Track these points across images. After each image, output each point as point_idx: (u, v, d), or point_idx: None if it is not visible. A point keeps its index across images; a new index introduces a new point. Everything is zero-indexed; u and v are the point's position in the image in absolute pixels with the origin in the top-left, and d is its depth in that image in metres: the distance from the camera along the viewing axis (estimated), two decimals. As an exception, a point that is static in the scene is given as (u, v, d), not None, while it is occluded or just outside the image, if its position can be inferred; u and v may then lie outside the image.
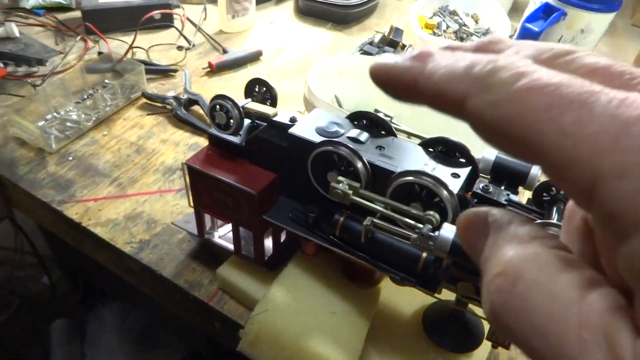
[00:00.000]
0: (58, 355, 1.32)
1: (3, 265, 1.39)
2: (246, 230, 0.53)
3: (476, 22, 1.15)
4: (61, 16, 1.03)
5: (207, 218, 0.58)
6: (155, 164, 0.73)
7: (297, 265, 0.50)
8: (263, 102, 0.53)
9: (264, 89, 0.53)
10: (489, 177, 0.46)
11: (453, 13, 1.16)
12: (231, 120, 0.49)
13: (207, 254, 0.61)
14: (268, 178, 0.49)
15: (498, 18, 1.10)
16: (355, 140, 0.46)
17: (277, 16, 1.15)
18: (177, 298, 0.59)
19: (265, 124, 0.51)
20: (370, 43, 1.00)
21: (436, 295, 0.47)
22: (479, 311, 0.49)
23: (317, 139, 0.45)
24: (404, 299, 0.54)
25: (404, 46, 1.01)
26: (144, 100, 0.84)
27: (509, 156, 0.45)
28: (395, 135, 0.47)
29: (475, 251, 0.18)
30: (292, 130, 0.46)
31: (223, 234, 0.58)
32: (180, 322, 1.08)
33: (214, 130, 0.51)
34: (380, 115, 0.49)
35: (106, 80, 0.85)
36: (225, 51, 0.97)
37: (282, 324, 0.44)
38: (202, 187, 0.52)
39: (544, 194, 0.43)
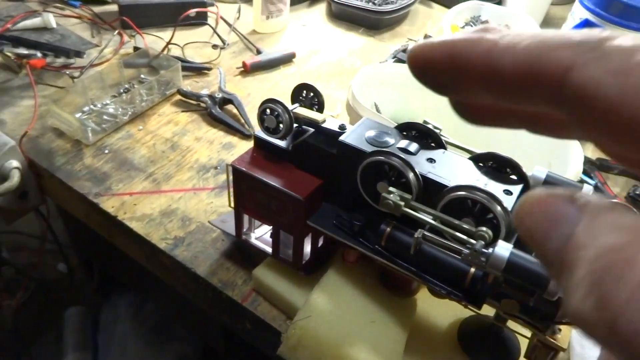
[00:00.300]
0: (70, 342, 1.33)
1: (23, 251, 1.41)
2: (285, 234, 0.53)
3: (508, 34, 1.14)
4: (97, 9, 1.04)
5: (246, 219, 0.58)
6: (189, 161, 0.74)
7: (337, 272, 0.50)
8: (310, 107, 0.53)
9: (311, 94, 0.53)
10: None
11: (485, 23, 1.15)
12: (281, 125, 0.49)
13: (241, 254, 0.61)
14: (314, 184, 0.49)
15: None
16: (405, 151, 0.46)
17: (310, 19, 1.15)
18: (209, 296, 0.59)
19: (313, 129, 0.51)
20: (404, 51, 1.00)
21: (475, 310, 0.47)
22: (517, 327, 0.48)
23: (368, 148, 0.45)
24: (439, 311, 0.54)
25: (436, 55, 1.01)
26: (178, 97, 0.85)
27: (558, 176, 0.45)
28: (445, 148, 0.47)
29: (549, 239, 0.14)
30: (342, 138, 0.47)
31: (259, 236, 0.59)
32: (194, 315, 1.08)
33: (261, 134, 0.51)
34: (430, 126, 0.49)
35: (142, 76, 0.86)
36: (259, 52, 0.97)
37: (324, 330, 0.44)
38: (246, 188, 0.52)
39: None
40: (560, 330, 0.45)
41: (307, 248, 0.54)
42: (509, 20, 1.16)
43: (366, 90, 0.65)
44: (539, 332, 0.44)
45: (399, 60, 0.97)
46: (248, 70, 0.93)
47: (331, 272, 0.50)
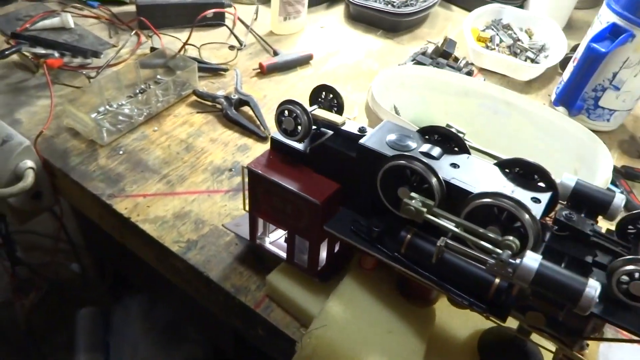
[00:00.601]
0: (82, 343, 1.33)
1: (37, 250, 1.41)
2: (300, 239, 0.52)
3: (530, 37, 1.12)
4: (115, 9, 1.04)
5: (260, 223, 0.57)
6: (204, 163, 0.73)
7: (354, 279, 0.49)
8: (329, 109, 0.52)
9: (331, 95, 0.52)
10: (565, 202, 0.44)
11: (507, 27, 1.13)
12: (299, 127, 0.48)
13: (255, 259, 0.59)
14: (331, 188, 0.48)
15: (553, 35, 1.07)
16: (428, 155, 0.44)
17: (328, 21, 1.14)
18: (221, 301, 0.58)
19: (331, 132, 0.50)
20: (423, 53, 0.98)
21: (497, 321, 0.45)
22: (540, 340, 0.46)
23: (389, 152, 0.44)
24: (458, 321, 0.52)
25: (456, 58, 0.99)
26: (194, 97, 0.84)
27: (589, 184, 0.43)
28: (469, 153, 0.46)
29: None
30: (363, 141, 0.45)
31: (274, 240, 0.57)
32: (205, 318, 1.07)
33: (278, 135, 0.50)
34: (453, 130, 0.47)
35: (158, 76, 0.85)
36: (276, 53, 0.96)
37: (340, 340, 0.42)
38: (261, 191, 0.51)
39: (630, 227, 0.40)
40: (588, 345, 0.43)
41: (323, 254, 0.53)
42: (531, 24, 1.13)
43: (385, 92, 0.64)
44: (566, 347, 0.41)
45: (419, 63, 0.95)
46: (264, 71, 0.91)
47: (347, 279, 0.49)
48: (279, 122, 0.49)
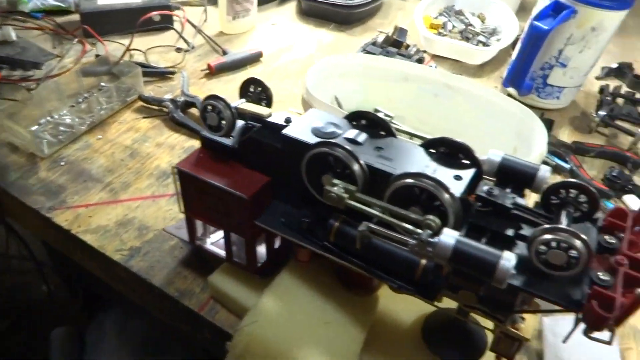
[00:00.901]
0: (57, 363, 1.30)
1: (5, 274, 1.38)
2: (239, 237, 0.51)
3: (483, 22, 1.12)
4: (60, 19, 1.02)
5: (199, 224, 0.55)
6: (149, 168, 0.71)
7: (290, 273, 0.48)
8: (258, 102, 0.51)
9: (259, 89, 0.51)
10: (494, 179, 0.43)
11: (459, 13, 1.13)
12: (223, 122, 0.46)
13: (199, 261, 0.58)
14: (260, 181, 0.47)
15: (505, 18, 1.07)
16: (352, 141, 0.43)
17: (279, 17, 1.13)
18: (167, 307, 0.57)
19: (260, 125, 0.48)
20: (373, 43, 0.97)
21: (436, 303, 0.44)
22: (482, 321, 0.46)
23: (312, 140, 0.43)
24: (403, 307, 0.51)
25: (407, 46, 0.99)
26: (140, 103, 0.82)
27: (515, 158, 0.43)
28: (395, 136, 0.45)
29: None
30: (285, 131, 0.44)
31: (215, 241, 0.56)
32: (180, 330, 1.05)
33: (205, 132, 0.49)
34: (380, 115, 0.46)
35: (102, 84, 0.83)
36: (224, 53, 0.95)
37: (272, 336, 0.41)
38: (193, 191, 0.50)
39: (553, 197, 0.40)
40: (523, 319, 0.43)
41: (263, 250, 0.52)
42: (484, 8, 1.13)
43: (325, 83, 0.63)
44: (500, 322, 0.41)
45: (368, 53, 0.94)
46: (213, 72, 0.90)
47: (284, 273, 0.48)
48: (203, 118, 0.47)
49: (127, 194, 0.67)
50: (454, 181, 0.39)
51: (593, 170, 0.78)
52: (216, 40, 1.00)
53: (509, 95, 0.91)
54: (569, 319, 0.56)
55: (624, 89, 0.97)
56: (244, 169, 0.48)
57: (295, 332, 0.42)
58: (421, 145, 0.44)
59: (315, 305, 0.45)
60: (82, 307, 1.42)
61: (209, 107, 0.46)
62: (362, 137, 0.43)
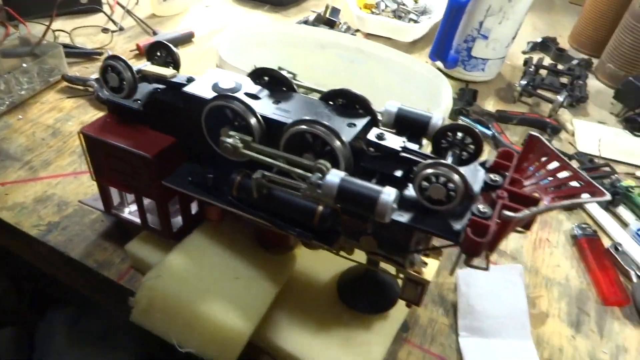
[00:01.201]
0: (4, 365, 1.26)
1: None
2: (154, 202, 0.50)
3: (416, 1, 1.15)
4: (-18, 3, 0.98)
5: (116, 193, 0.55)
6: (72, 146, 0.70)
7: (202, 232, 0.48)
8: (165, 65, 0.50)
9: (165, 52, 0.51)
10: (394, 131, 0.45)
11: (396, -7, 1.16)
12: (124, 82, 0.46)
13: (120, 232, 0.58)
14: (166, 142, 0.47)
15: (436, -3, 1.10)
16: (252, 95, 0.44)
17: (214, 0, 1.12)
18: (87, 279, 0.56)
19: (164, 86, 0.48)
20: (305, 22, 0.98)
21: (352, 258, 0.45)
22: (393, 271, 0.47)
23: (211, 95, 0.43)
24: (322, 266, 0.53)
25: (340, 25, 1.00)
26: (65, 83, 0.81)
27: (411, 108, 0.44)
28: (295, 91, 0.46)
29: None
30: (185, 89, 0.44)
31: (135, 210, 0.56)
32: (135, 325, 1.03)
33: (109, 95, 0.48)
34: (284, 72, 0.47)
35: (24, 65, 0.81)
36: (155, 33, 0.94)
37: (177, 290, 0.41)
38: (101, 156, 0.49)
39: (443, 141, 0.41)
40: (425, 264, 0.45)
41: (179, 215, 0.52)
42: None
43: (243, 52, 0.63)
44: (400, 266, 0.42)
45: (300, 32, 0.95)
46: (142, 52, 0.89)
47: (195, 232, 0.48)
48: (104, 80, 0.47)
49: (47, 171, 0.65)
50: (347, 128, 0.41)
51: (515, 137, 0.82)
52: (147, 22, 0.99)
53: (438, 69, 0.94)
54: (482, 272, 0.58)
55: (548, 61, 1.02)
56: (151, 131, 0.48)
57: (201, 286, 0.42)
58: (321, 98, 0.45)
59: (225, 262, 0.46)
60: (30, 306, 1.38)
61: (109, 68, 0.46)
62: (261, 92, 0.44)
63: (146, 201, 0.50)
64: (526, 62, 0.98)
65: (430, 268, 0.44)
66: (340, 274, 0.51)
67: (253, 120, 0.41)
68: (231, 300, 0.42)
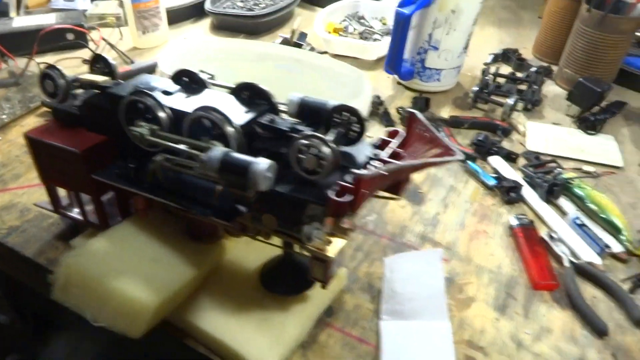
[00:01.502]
0: (7, 393, 1.29)
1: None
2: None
3: (384, 24, 1.20)
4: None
5: (64, 193, 0.60)
6: (42, 161, 0.75)
7: (131, 222, 0.52)
8: (103, 75, 0.56)
9: (103, 64, 0.56)
10: (299, 120, 0.49)
11: (361, 18, 1.22)
12: (58, 88, 0.52)
13: (73, 233, 0.62)
14: (96, 139, 0.51)
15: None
16: (165, 92, 0.49)
17: (193, 32, 1.20)
18: (41, 277, 0.60)
19: (98, 92, 0.54)
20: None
21: (272, 242, 0.48)
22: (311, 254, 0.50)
23: (127, 93, 0.48)
24: (252, 256, 0.56)
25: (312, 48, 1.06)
26: (44, 108, 0.87)
27: (310, 98, 0.48)
28: (207, 88, 0.50)
29: None
30: (109, 90, 0.49)
31: (89, 209, 0.60)
32: (134, 347, 1.06)
33: (47, 100, 0.54)
34: (203, 75, 0.52)
35: (9, 94, 0.89)
36: (132, 62, 1.01)
37: (93, 268, 0.45)
38: (44, 157, 0.54)
39: (333, 122, 0.45)
40: (330, 242, 0.47)
41: (116, 210, 0.56)
42: (385, 13, 1.22)
43: (185, 65, 0.68)
44: (301, 243, 0.45)
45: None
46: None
47: (124, 222, 0.52)
48: (43, 87, 0.53)
49: (17, 183, 0.71)
50: (244, 114, 0.45)
51: (467, 140, 0.85)
52: (129, 54, 1.07)
53: (399, 83, 0.98)
54: (406, 257, 0.61)
55: (509, 70, 1.05)
56: (87, 132, 0.53)
57: (118, 267, 0.46)
58: (230, 93, 0.49)
59: (148, 248, 0.49)
60: (33, 333, 1.42)
61: (46, 76, 0.52)
62: (174, 88, 0.49)
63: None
64: (484, 72, 1.01)
65: (334, 246, 0.47)
66: (265, 262, 0.54)
67: (160, 112, 0.45)
68: (144, 279, 0.45)
